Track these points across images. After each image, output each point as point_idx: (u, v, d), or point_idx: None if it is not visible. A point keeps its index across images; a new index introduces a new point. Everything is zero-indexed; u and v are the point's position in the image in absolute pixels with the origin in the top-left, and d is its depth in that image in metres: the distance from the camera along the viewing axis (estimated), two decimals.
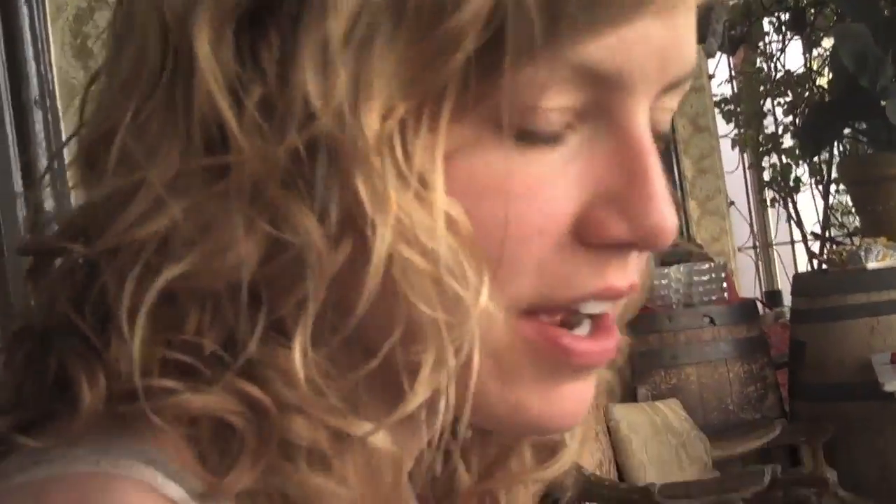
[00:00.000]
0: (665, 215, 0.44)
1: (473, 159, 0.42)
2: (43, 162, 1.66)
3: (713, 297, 4.11)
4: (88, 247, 0.44)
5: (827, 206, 4.99)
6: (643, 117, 0.45)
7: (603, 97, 0.43)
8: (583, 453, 0.48)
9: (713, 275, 4.16)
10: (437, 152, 0.41)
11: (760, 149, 5.27)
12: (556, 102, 0.43)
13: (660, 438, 3.52)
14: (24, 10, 1.71)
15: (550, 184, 0.43)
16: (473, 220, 0.42)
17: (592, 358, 0.46)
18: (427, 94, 0.41)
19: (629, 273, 0.46)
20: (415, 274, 0.41)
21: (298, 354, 0.42)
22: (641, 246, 0.45)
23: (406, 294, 0.41)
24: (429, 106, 0.41)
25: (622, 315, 0.50)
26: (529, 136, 0.43)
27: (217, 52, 0.42)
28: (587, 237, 0.44)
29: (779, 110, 5.29)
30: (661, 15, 0.43)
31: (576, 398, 0.47)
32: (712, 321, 3.93)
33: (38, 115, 1.72)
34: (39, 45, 1.73)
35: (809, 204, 5.16)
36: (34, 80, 1.72)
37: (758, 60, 5.40)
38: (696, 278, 4.11)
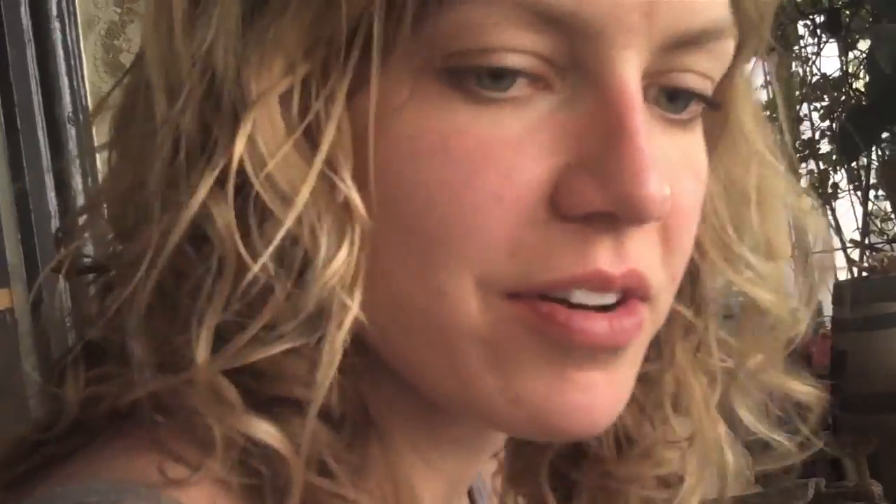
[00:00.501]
0: (643, 179, 0.38)
1: (417, 118, 0.39)
2: (77, 178, 1.64)
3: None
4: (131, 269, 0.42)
5: (866, 213, 4.94)
6: (628, 72, 0.40)
7: (577, 49, 0.39)
8: (700, 488, 0.43)
9: None
10: (334, 110, 0.39)
11: (798, 155, 5.21)
12: (509, 45, 0.38)
13: None
14: (56, 24, 1.70)
15: (513, 148, 0.39)
16: (413, 183, 0.38)
17: (599, 337, 0.41)
18: (330, 49, 0.38)
19: (625, 258, 0.41)
20: (265, 212, 0.38)
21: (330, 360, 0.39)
22: (621, 217, 0.39)
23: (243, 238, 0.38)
24: (333, 62, 0.39)
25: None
26: (484, 95, 0.39)
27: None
28: (564, 209, 0.39)
29: (815, 115, 5.23)
30: None
31: (587, 388, 0.41)
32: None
33: (71, 132, 1.71)
34: (72, 61, 1.72)
35: (848, 211, 5.11)
36: (67, 96, 1.71)
37: (793, 64, 5.34)
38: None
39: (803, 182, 5.35)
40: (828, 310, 4.37)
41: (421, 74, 0.39)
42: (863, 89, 4.91)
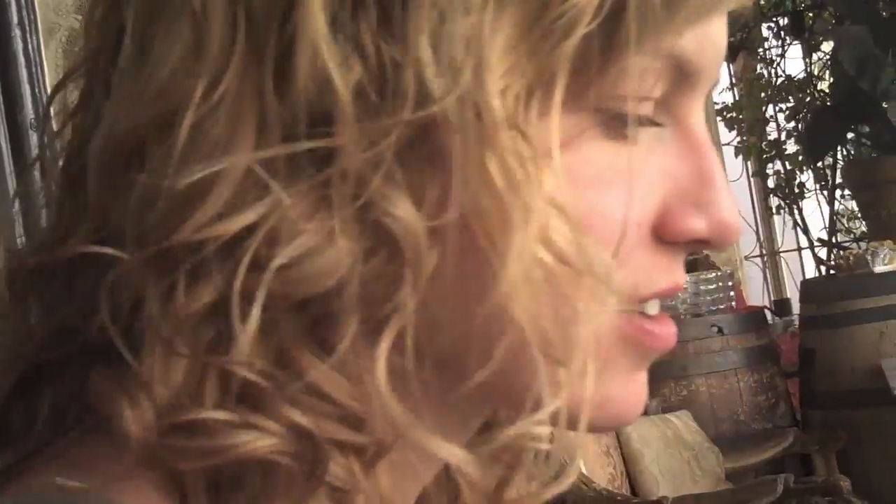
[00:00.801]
0: (735, 212, 0.45)
1: (573, 150, 0.41)
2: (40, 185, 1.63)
3: (721, 307, 4.09)
4: (138, 252, 0.39)
5: (833, 212, 4.98)
6: (703, 115, 0.45)
7: (674, 93, 0.43)
8: (572, 475, 0.45)
9: (720, 283, 4.14)
10: (552, 139, 0.39)
11: (764, 156, 5.25)
12: (648, 94, 0.42)
13: (671, 451, 3.49)
14: (17, 32, 1.70)
15: (639, 177, 0.42)
16: (573, 208, 0.40)
17: (669, 342, 0.46)
18: (537, 77, 0.39)
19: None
20: (546, 279, 0.39)
21: (382, 366, 0.38)
22: (715, 243, 0.45)
23: (527, 303, 0.38)
24: (539, 90, 0.39)
25: None
26: (621, 133, 0.42)
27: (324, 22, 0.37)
28: (664, 233, 0.44)
29: (781, 116, 5.27)
30: (723, 15, 0.44)
31: (643, 385, 0.47)
32: (721, 330, 3.89)
33: (33, 139, 1.71)
34: (33, 69, 1.72)
35: (815, 210, 5.15)
36: (29, 103, 1.71)
37: (758, 66, 5.39)
38: (703, 287, 4.08)
39: (770, 182, 5.40)
40: (796, 308, 4.39)
41: (581, 112, 0.41)
42: (827, 90, 4.94)
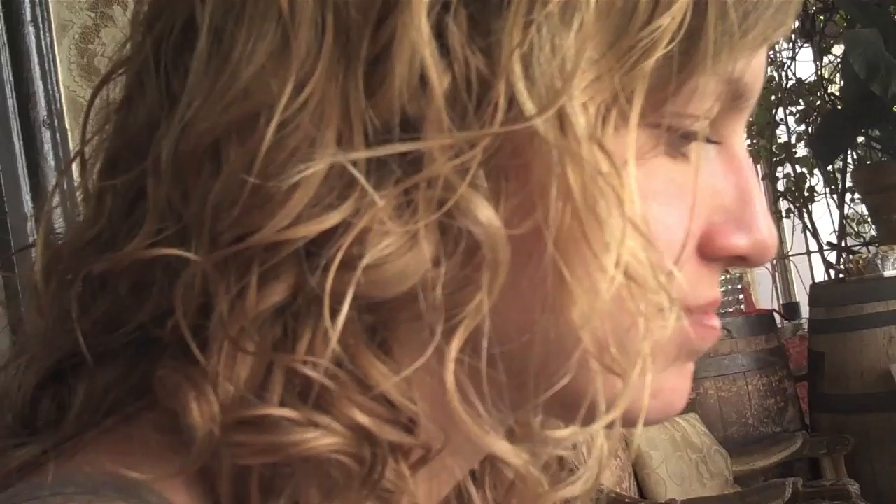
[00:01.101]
0: (774, 231, 0.46)
1: (640, 166, 0.42)
2: (53, 182, 1.64)
3: (730, 310, 4.08)
4: (211, 252, 0.39)
5: (842, 216, 4.96)
6: (744, 135, 0.47)
7: (724, 113, 0.45)
8: (600, 475, 0.46)
9: (729, 287, 4.14)
10: (628, 154, 0.40)
11: (774, 159, 5.23)
12: (706, 113, 0.43)
13: (679, 454, 3.49)
14: (30, 29, 1.70)
15: (690, 192, 0.43)
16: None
17: (717, 336, 0.48)
18: (616, 94, 0.40)
19: None
20: (634, 289, 0.40)
21: (452, 368, 0.39)
22: (753, 260, 0.47)
23: (617, 311, 0.39)
24: (617, 107, 0.40)
25: None
26: (680, 151, 0.43)
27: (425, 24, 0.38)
28: (708, 249, 0.45)
29: (791, 119, 5.26)
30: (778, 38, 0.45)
31: (689, 376, 0.48)
32: (730, 333, 3.88)
33: (46, 136, 1.71)
34: (46, 66, 1.72)
35: (825, 214, 5.13)
36: (42, 101, 1.71)
37: (769, 69, 5.38)
38: None
39: (780, 185, 5.38)
40: (805, 311, 4.37)
41: (650, 129, 0.42)
42: (838, 94, 4.93)
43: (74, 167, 0.50)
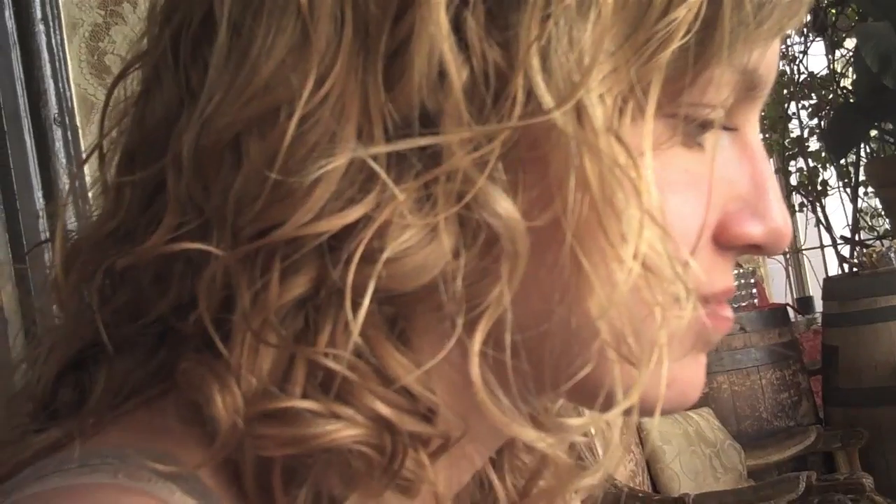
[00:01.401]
0: (788, 220, 0.46)
1: (657, 156, 0.41)
2: (64, 180, 1.65)
3: (743, 304, 4.07)
4: (234, 246, 0.40)
5: (856, 209, 4.93)
6: (758, 125, 0.47)
7: (739, 103, 0.45)
8: (620, 462, 0.47)
9: (742, 281, 4.12)
10: (644, 145, 0.40)
11: (787, 153, 5.21)
12: (722, 103, 0.44)
13: (693, 449, 3.48)
14: (41, 27, 1.72)
15: (706, 182, 0.44)
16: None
17: (730, 326, 0.48)
18: (633, 85, 0.40)
19: None
20: (651, 279, 0.40)
21: (476, 359, 0.40)
22: (767, 249, 0.47)
23: (634, 301, 0.39)
24: (634, 98, 0.40)
25: None
26: (696, 140, 0.44)
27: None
28: (723, 238, 0.45)
29: (804, 113, 5.23)
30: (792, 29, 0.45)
31: (703, 366, 0.48)
32: (743, 328, 3.87)
33: (57, 133, 1.72)
34: (57, 64, 1.73)
35: (838, 208, 5.10)
36: (53, 99, 1.72)
37: (780, 63, 5.35)
38: None
39: (793, 180, 5.36)
40: (819, 305, 4.35)
41: (665, 119, 0.42)
42: (850, 87, 4.89)
43: (86, 166, 0.50)
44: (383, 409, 0.39)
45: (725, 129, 0.45)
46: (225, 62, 0.41)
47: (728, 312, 0.47)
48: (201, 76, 0.42)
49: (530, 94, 0.38)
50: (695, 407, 3.74)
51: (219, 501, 0.40)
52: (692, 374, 0.47)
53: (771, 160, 5.72)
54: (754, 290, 4.18)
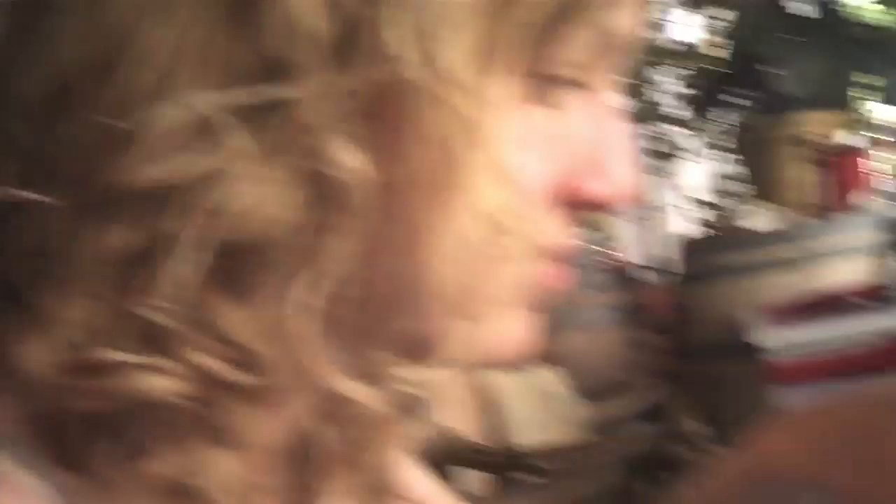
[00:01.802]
0: (634, 177, 0.47)
1: (510, 111, 0.43)
2: None
3: (593, 263, 4.14)
4: (69, 195, 0.39)
5: (711, 173, 5.10)
6: (616, 87, 0.48)
7: (593, 63, 0.45)
8: (454, 415, 0.42)
9: (593, 240, 4.20)
10: (496, 101, 0.41)
11: (646, 119, 5.31)
12: (578, 62, 0.44)
13: (537, 403, 3.50)
14: None
15: (554, 139, 0.44)
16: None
17: (566, 284, 0.48)
18: (486, 41, 0.40)
19: None
20: (489, 234, 0.41)
21: (302, 312, 0.41)
22: (613, 206, 0.47)
23: (473, 255, 0.41)
24: (487, 54, 0.41)
25: None
26: (549, 100, 0.44)
27: None
28: (567, 195, 0.46)
29: (664, 79, 5.31)
30: None
31: (537, 323, 0.48)
32: (591, 287, 3.91)
33: None
34: None
35: (694, 171, 5.29)
36: None
37: (644, 30, 5.41)
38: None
39: (648, 144, 5.45)
40: (670, 264, 4.41)
41: (517, 76, 0.42)
42: (717, 56, 4.97)
43: None
44: (209, 362, 0.40)
45: (579, 87, 0.45)
46: (71, 7, 0.40)
47: (567, 271, 0.48)
48: (39, 15, 0.41)
49: (384, 46, 0.38)
50: (542, 363, 3.78)
51: (29, 457, 0.40)
52: (528, 330, 0.48)
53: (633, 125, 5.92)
54: (605, 249, 4.25)
